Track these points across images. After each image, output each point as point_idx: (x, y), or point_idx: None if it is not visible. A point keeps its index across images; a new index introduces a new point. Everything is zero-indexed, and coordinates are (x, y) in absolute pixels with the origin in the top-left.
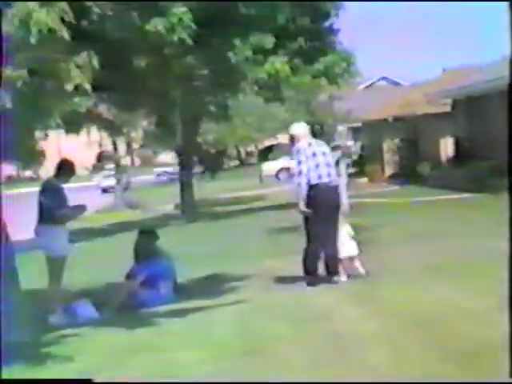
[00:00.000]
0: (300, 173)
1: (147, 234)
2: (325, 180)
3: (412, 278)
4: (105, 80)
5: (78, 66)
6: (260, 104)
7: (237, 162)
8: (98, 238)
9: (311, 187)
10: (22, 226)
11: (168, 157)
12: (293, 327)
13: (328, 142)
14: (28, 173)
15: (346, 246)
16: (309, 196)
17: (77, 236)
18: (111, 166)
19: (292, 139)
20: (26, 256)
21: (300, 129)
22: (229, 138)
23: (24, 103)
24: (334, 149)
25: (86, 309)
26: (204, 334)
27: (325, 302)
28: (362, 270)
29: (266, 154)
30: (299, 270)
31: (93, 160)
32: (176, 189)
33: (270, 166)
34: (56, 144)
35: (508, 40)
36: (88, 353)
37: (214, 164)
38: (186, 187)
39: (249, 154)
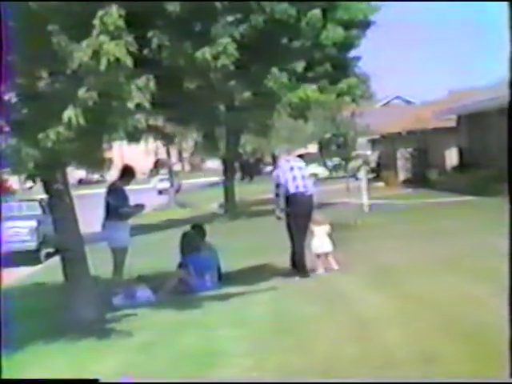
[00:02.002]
0: (278, 185)
1: (197, 229)
2: (301, 190)
3: (424, 269)
4: (161, 99)
5: (138, 88)
6: (291, 120)
7: (272, 168)
8: (154, 232)
9: (290, 196)
10: (92, 221)
11: (214, 163)
12: (317, 308)
13: (350, 152)
14: (96, 176)
15: (324, 243)
16: (288, 203)
17: (137, 230)
18: (165, 171)
19: (274, 158)
20: (95, 246)
21: (280, 150)
22: (265, 148)
23: (93, 119)
24: (355, 158)
25: (144, 292)
26: (243, 315)
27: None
28: (334, 266)
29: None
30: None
31: (150, 166)
32: (220, 191)
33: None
34: (119, 152)
35: (508, 40)
36: (146, 329)
37: (252, 169)
38: (228, 189)
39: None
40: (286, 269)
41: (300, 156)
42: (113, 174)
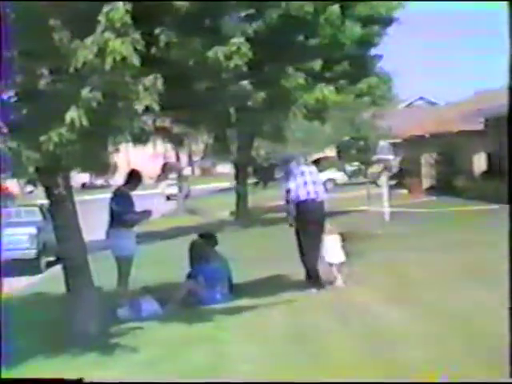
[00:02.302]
0: (289, 190)
1: (207, 237)
2: (312, 196)
3: (448, 282)
4: (169, 100)
5: (145, 88)
6: (307, 122)
7: (282, 173)
8: (161, 240)
9: (300, 202)
10: (95, 228)
11: (225, 168)
12: (336, 324)
13: (371, 156)
14: (100, 181)
15: (337, 253)
16: (298, 210)
17: (143, 238)
18: (174, 175)
19: (283, 162)
20: (98, 255)
21: (288, 155)
22: (279, 152)
23: (98, 121)
24: (376, 162)
25: (151, 304)
26: (256, 330)
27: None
28: (340, 282)
29: (316, 165)
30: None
31: (158, 170)
32: (232, 197)
33: (324, 176)
34: (125, 156)
35: (508, 40)
36: (152, 344)
37: (266, 175)
38: (240, 195)
39: None
40: (301, 280)
41: (317, 160)
42: (118, 179)
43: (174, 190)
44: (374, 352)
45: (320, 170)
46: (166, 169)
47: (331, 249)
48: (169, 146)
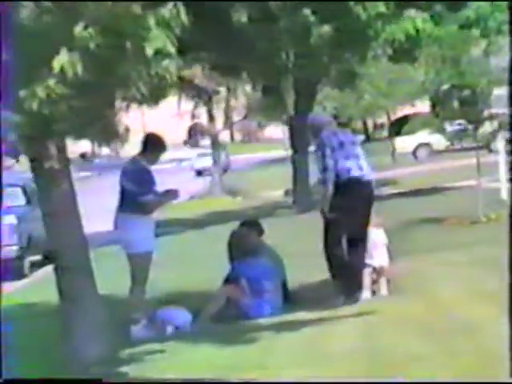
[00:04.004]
0: (325, 168)
1: (249, 226)
2: (355, 173)
3: None
4: (197, 38)
5: (163, 22)
6: (391, 65)
7: (363, 137)
8: (190, 230)
9: (339, 183)
10: (99, 215)
11: (277, 131)
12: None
13: (482, 110)
14: (105, 150)
15: (377, 254)
16: (337, 194)
17: (166, 228)
18: (206, 142)
19: (313, 130)
20: (104, 252)
21: (320, 118)
22: (353, 108)
23: (98, 69)
24: (489, 119)
25: (176, 318)
26: (320, 354)
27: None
28: (384, 291)
29: (400, 126)
30: (435, 273)
31: (184, 135)
32: (287, 171)
33: (405, 142)
34: (139, 117)
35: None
36: (177, 372)
37: None
38: (298, 169)
39: (378, 126)
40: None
41: (404, 119)
42: (129, 149)
43: (206, 162)
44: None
45: (409, 133)
46: (194, 133)
47: (375, 247)
48: (199, 101)
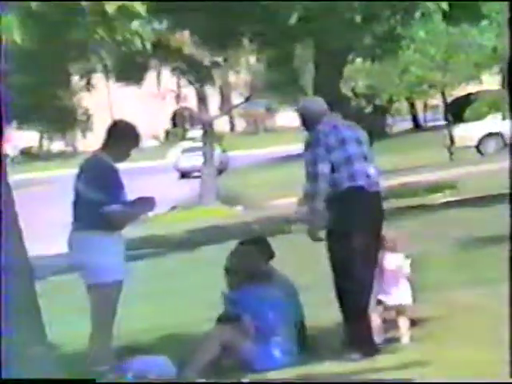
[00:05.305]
0: (315, 176)
1: (254, 246)
2: (360, 182)
3: None
4: None
5: None
6: (445, 25)
7: (409, 124)
8: (172, 252)
9: (339, 194)
10: (49, 232)
11: (290, 117)
12: None
13: None
14: (58, 145)
15: (400, 288)
16: (335, 209)
17: (139, 250)
18: (196, 132)
19: (306, 121)
20: (56, 283)
21: (316, 104)
22: (395, 85)
23: (46, 35)
24: None
25: (155, 372)
26: None
27: None
28: (405, 339)
29: (460, 109)
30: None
31: (166, 124)
32: (300, 170)
33: (467, 131)
34: (105, 99)
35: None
36: None
37: (368, 128)
38: None
39: (429, 109)
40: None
41: (467, 98)
42: (93, 141)
43: (195, 160)
44: None
45: (473, 118)
46: (180, 121)
47: (392, 280)
48: (187, 77)
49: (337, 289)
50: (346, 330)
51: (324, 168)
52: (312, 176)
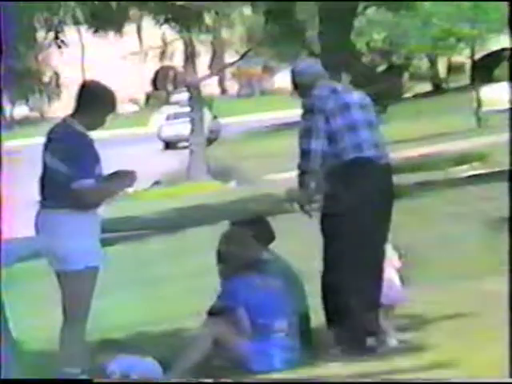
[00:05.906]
0: (307, 151)
1: (250, 227)
2: (368, 153)
3: None
4: None
5: None
6: None
7: (430, 85)
8: (155, 235)
9: (342, 167)
10: (9, 215)
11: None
12: None
13: None
14: (21, 110)
15: (393, 284)
16: (336, 184)
17: (116, 232)
18: (182, 96)
19: (300, 85)
20: (22, 270)
21: (310, 67)
22: (414, 39)
23: None
24: None
25: (137, 372)
26: None
27: None
28: (393, 341)
29: (489, 68)
30: None
31: (147, 85)
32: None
33: (496, 94)
34: (78, 59)
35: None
36: None
37: (383, 90)
38: None
39: (454, 68)
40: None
41: (498, 54)
42: (63, 106)
43: (181, 128)
44: None
45: (504, 78)
46: (163, 82)
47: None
48: (170, 31)
49: (326, 285)
50: (329, 320)
51: (318, 144)
52: (304, 152)
